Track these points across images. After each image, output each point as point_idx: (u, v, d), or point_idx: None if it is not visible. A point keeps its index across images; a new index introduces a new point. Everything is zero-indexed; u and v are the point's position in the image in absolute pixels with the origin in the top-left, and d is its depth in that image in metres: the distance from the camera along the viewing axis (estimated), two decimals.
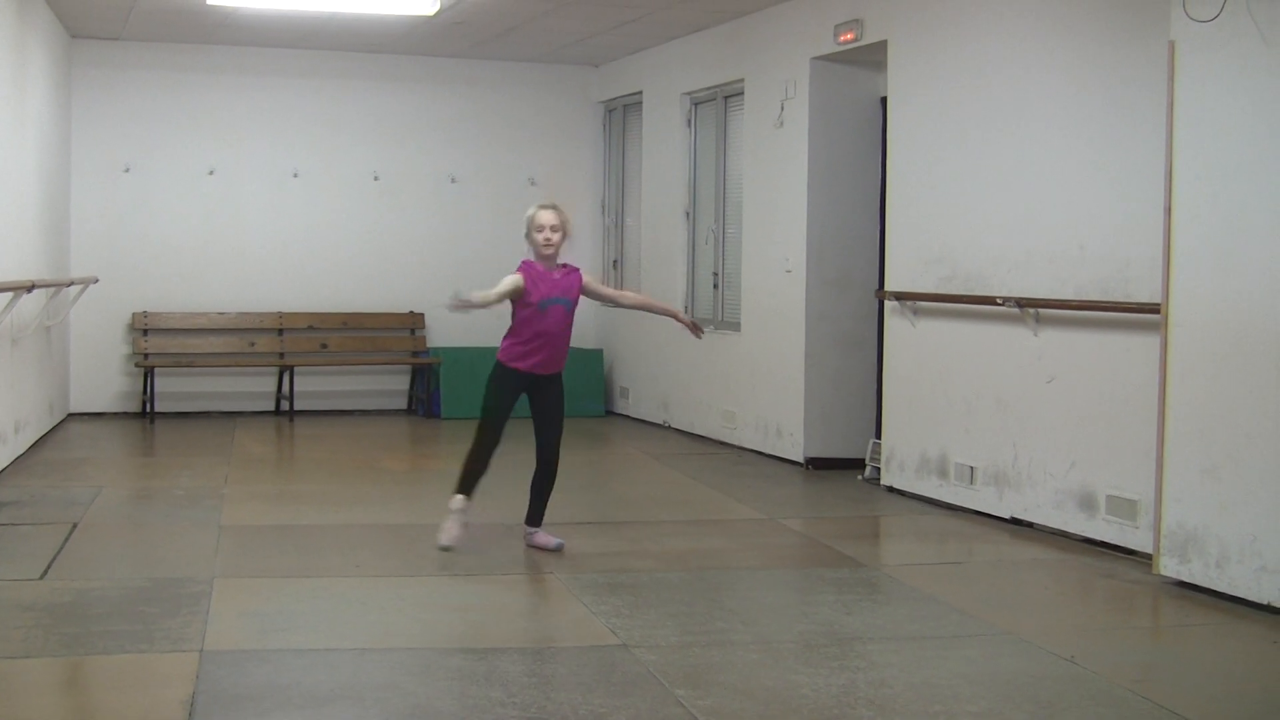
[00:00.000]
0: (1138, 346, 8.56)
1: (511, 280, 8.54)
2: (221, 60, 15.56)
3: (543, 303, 8.51)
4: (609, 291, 9.55)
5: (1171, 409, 7.88)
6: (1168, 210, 7.87)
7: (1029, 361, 9.52)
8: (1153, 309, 8.18)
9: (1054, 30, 9.35)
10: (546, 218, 8.51)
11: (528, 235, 8.59)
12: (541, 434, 8.80)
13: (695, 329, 9.46)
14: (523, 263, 8.63)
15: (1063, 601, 7.97)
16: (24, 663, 6.34)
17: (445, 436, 14.35)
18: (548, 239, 8.49)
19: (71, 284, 13.55)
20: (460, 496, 8.64)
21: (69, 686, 6.26)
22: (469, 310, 8.58)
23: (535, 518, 8.90)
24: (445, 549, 8.52)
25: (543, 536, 8.81)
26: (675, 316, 9.42)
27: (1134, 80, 8.62)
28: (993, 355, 9.88)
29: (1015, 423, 9.66)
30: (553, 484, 8.88)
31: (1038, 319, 9.39)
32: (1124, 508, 8.70)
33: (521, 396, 8.74)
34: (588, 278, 8.80)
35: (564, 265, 8.65)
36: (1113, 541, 8.81)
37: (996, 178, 9.85)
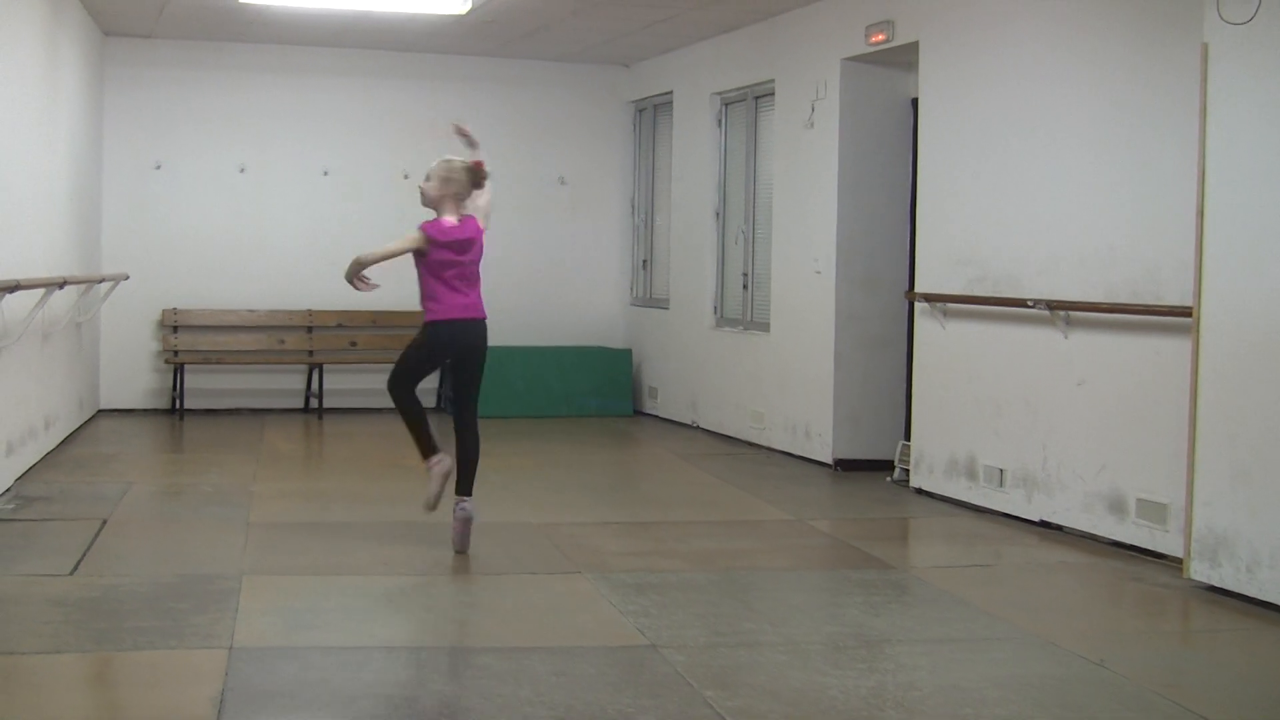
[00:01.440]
0: (1168, 349, 8.52)
1: (407, 235, 8.70)
2: (253, 58, 15.60)
3: (453, 242, 8.68)
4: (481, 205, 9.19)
5: (1202, 412, 7.84)
6: (1199, 213, 7.84)
7: (1059, 364, 9.49)
8: (1183, 311, 8.14)
9: (1086, 32, 9.32)
10: (431, 168, 8.72)
11: None
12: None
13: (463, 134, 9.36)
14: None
15: (1092, 605, 7.94)
16: (54, 658, 6.37)
17: None
18: (421, 187, 8.71)
19: (102, 280, 13.60)
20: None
21: (98, 682, 6.28)
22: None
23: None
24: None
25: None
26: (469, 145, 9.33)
27: (1166, 82, 8.59)
28: (1022, 357, 9.85)
29: (1045, 425, 9.63)
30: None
31: (1068, 321, 9.36)
32: (1154, 511, 8.67)
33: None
34: (480, 218, 8.91)
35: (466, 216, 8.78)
36: (1142, 545, 8.78)
37: (1027, 179, 9.82)
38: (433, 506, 8.70)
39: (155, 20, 14.21)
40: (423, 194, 8.65)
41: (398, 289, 15.81)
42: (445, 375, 15.92)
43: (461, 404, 8.85)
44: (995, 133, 10.15)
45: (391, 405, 8.94)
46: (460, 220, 8.55)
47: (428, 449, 8.72)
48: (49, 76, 11.71)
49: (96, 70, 14.66)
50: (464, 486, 8.68)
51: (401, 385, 8.82)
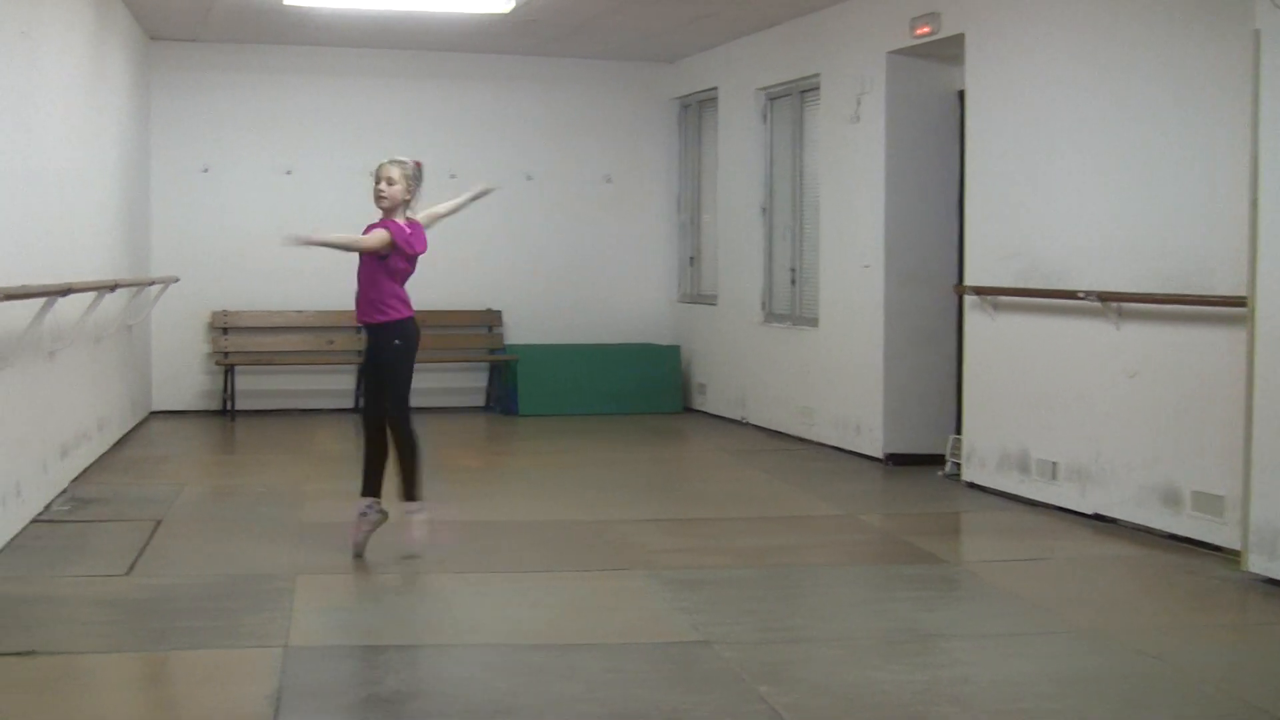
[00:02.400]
0: (1222, 340, 8.46)
1: (380, 235, 8.32)
2: (298, 60, 15.66)
3: (414, 253, 8.44)
4: (436, 211, 9.07)
5: (1257, 403, 7.78)
6: (1252, 202, 7.77)
7: (1111, 355, 9.43)
8: (1237, 301, 8.08)
9: (1134, 20, 9.25)
10: (386, 170, 8.44)
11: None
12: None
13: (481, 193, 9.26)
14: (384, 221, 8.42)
15: (1147, 599, 7.87)
16: (110, 657, 6.41)
17: (522, 434, 14.38)
18: (380, 192, 8.41)
19: (153, 283, 13.67)
20: (418, 504, 8.52)
21: (154, 681, 6.31)
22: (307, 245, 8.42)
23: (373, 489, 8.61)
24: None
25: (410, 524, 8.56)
26: (478, 196, 9.31)
27: (1217, 70, 8.52)
28: (1074, 349, 9.80)
29: (1097, 418, 9.57)
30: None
31: (1119, 313, 9.30)
32: (1209, 503, 8.60)
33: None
34: (421, 217, 8.67)
35: (410, 219, 8.56)
36: (1198, 538, 8.71)
37: (1076, 170, 9.77)
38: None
39: (200, 24, 14.28)
40: (387, 197, 8.38)
41: (445, 289, 15.93)
42: (495, 373, 15.98)
43: (401, 403, 8.56)
44: (1044, 124, 10.09)
45: (402, 434, 8.56)
46: (410, 226, 8.43)
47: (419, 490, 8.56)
48: (96, 82, 11.78)
49: (143, 75, 14.74)
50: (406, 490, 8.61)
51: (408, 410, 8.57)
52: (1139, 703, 5.86)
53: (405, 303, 8.42)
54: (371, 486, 8.55)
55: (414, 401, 14.50)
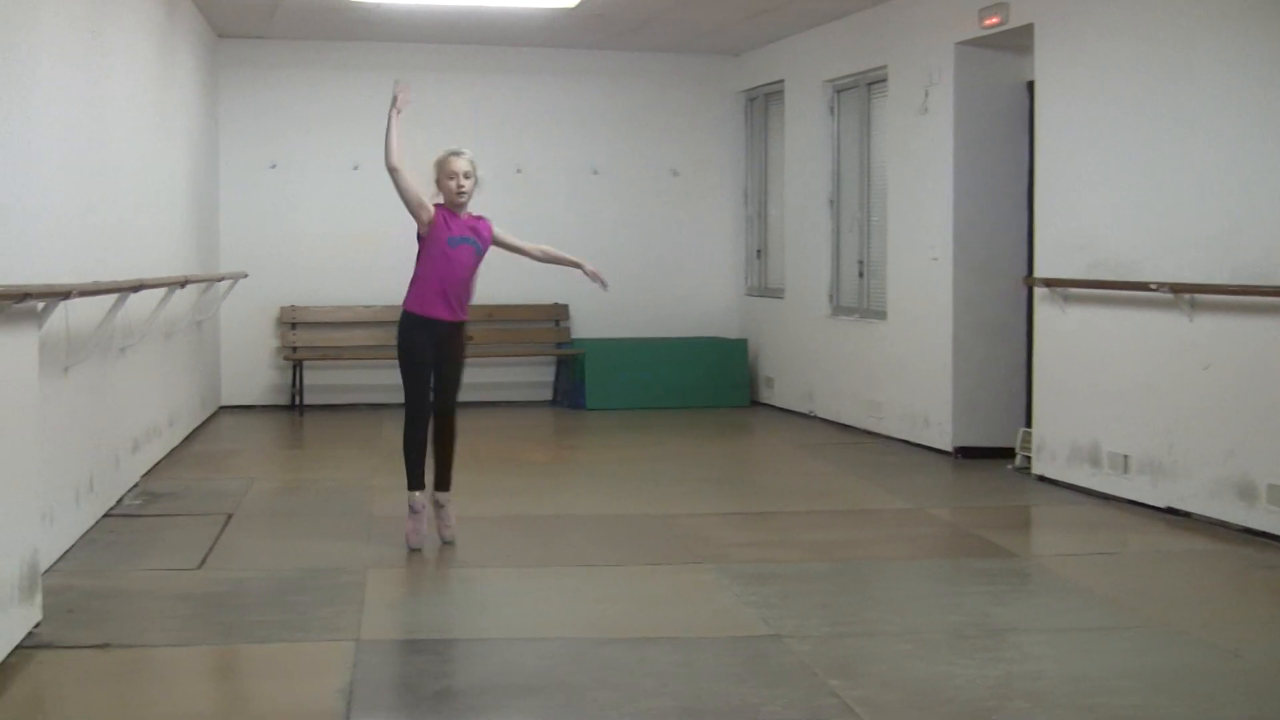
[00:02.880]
0: None
1: (425, 200, 8.39)
2: (364, 56, 15.72)
3: (451, 239, 8.37)
4: (517, 243, 8.88)
5: None
6: None
7: (1183, 348, 9.34)
8: None
9: (1204, 6, 9.16)
10: (459, 164, 8.37)
11: (437, 181, 8.43)
12: (440, 391, 8.61)
13: (599, 279, 8.94)
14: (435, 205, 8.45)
15: (1222, 593, 7.79)
16: (183, 650, 6.46)
17: (589, 428, 14.38)
18: (460, 186, 8.35)
19: (221, 279, 13.76)
20: (416, 494, 8.54)
21: (226, 675, 6.35)
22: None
23: (443, 481, 8.67)
24: (415, 550, 8.41)
25: (448, 515, 8.60)
26: (580, 267, 8.96)
27: None
28: (1145, 342, 9.71)
29: (1169, 410, 9.48)
30: (454, 445, 8.68)
31: (1192, 304, 9.21)
32: None
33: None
34: (498, 228, 8.64)
35: (475, 215, 8.55)
36: (1274, 532, 8.61)
37: (1147, 161, 9.67)
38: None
39: (267, 21, 14.36)
40: (468, 192, 8.46)
41: (512, 283, 15.95)
42: (562, 368, 16.01)
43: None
44: (1114, 114, 10.01)
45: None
46: (474, 220, 8.61)
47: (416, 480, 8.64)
48: (165, 79, 11.86)
49: (211, 72, 14.84)
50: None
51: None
52: (1215, 699, 5.79)
53: (416, 292, 8.49)
54: (421, 479, 8.60)
55: (481, 395, 14.61)
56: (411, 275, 8.52)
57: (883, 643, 6.61)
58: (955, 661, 6.27)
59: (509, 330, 16.08)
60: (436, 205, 8.42)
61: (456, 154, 8.43)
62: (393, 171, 8.35)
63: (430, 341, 8.47)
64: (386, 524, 9.21)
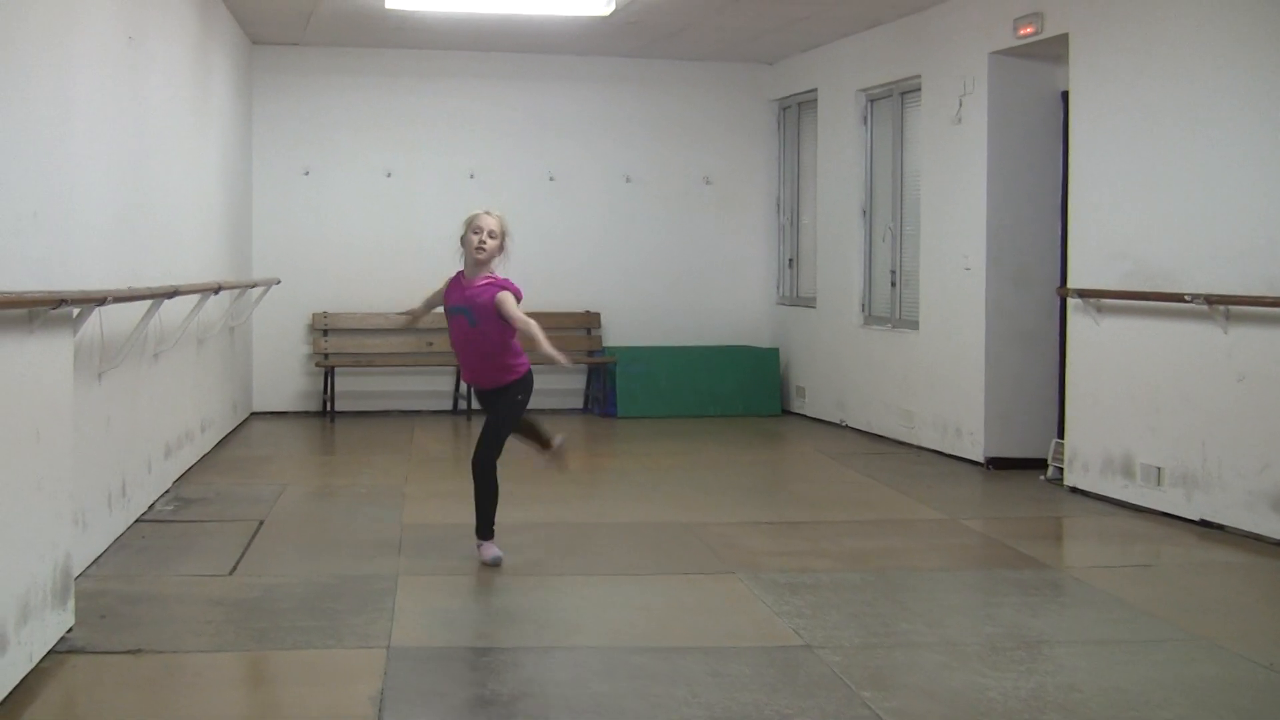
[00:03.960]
0: None
1: (436, 289, 8.53)
2: (398, 64, 15.76)
3: (449, 309, 8.35)
4: (513, 317, 8.25)
5: None
6: None
7: (1218, 359, 9.29)
8: None
9: (1242, 16, 9.12)
10: (487, 221, 8.24)
11: (462, 237, 8.31)
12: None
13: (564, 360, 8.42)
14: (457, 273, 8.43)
15: (1258, 606, 7.74)
16: (215, 656, 6.46)
17: (621, 435, 14.38)
18: (481, 243, 8.19)
19: (254, 286, 13.80)
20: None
21: (259, 680, 6.36)
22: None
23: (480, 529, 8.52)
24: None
25: (487, 548, 8.44)
26: (548, 358, 8.13)
27: None
28: (1180, 353, 9.66)
29: (1204, 422, 9.43)
30: (487, 494, 8.50)
31: (1227, 316, 9.16)
32: None
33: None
34: (503, 297, 8.19)
35: (491, 277, 8.29)
36: None
37: (1183, 171, 9.63)
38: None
39: (302, 28, 14.39)
40: (488, 250, 8.27)
41: (544, 291, 15.95)
42: (594, 375, 16.01)
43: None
44: (1149, 125, 9.96)
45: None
46: (487, 281, 8.39)
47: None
48: (201, 86, 11.90)
49: (245, 78, 14.89)
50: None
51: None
52: (1251, 713, 5.76)
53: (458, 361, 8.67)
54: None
55: None
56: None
57: (916, 654, 6.59)
58: (989, 673, 6.24)
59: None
60: (455, 276, 8.42)
61: (487, 213, 8.35)
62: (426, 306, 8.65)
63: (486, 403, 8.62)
64: (418, 531, 9.22)
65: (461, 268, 8.40)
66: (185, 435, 11.08)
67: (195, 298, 10.45)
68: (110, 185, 8.51)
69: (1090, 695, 5.95)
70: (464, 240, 8.31)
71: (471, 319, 8.28)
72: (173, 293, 9.07)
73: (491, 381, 8.46)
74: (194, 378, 11.52)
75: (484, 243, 8.22)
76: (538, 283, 16.12)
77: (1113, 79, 10.38)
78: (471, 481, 8.46)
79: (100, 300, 7.14)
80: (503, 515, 9.76)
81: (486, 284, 8.26)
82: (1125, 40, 10.24)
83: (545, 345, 8.01)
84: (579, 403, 16.32)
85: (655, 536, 9.13)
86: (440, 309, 8.58)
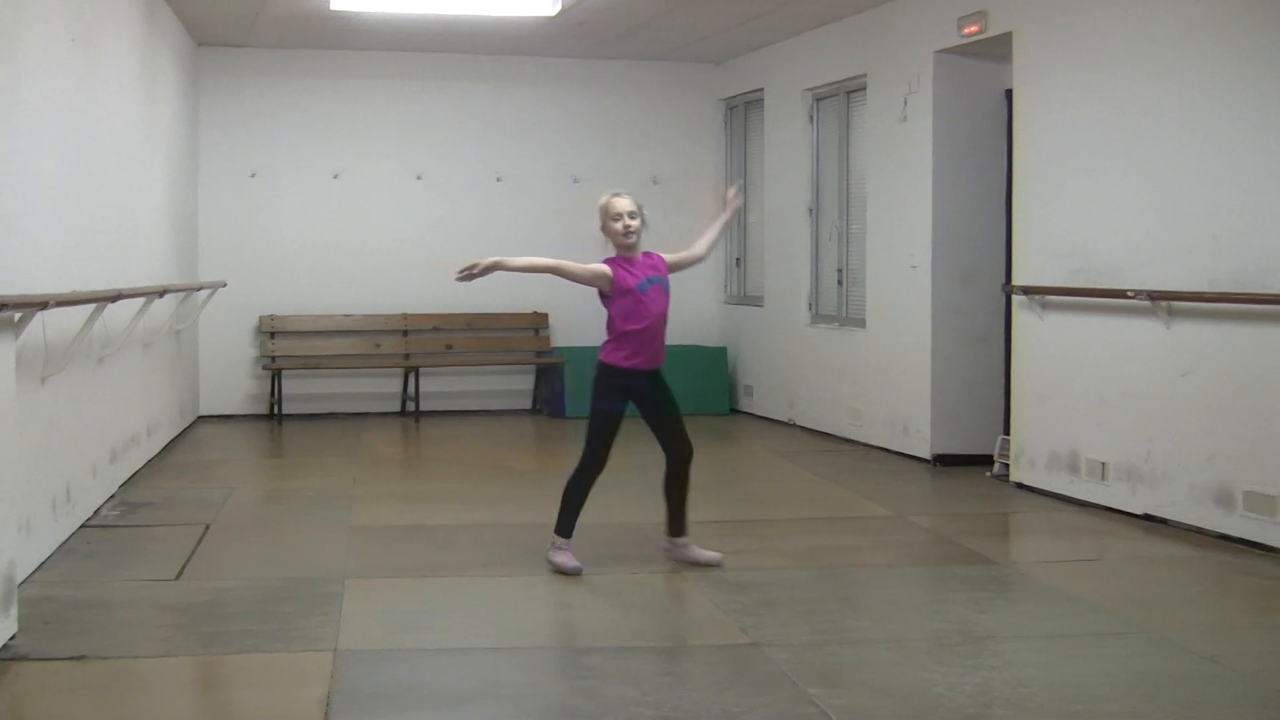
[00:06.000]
0: (1275, 338, 8.39)
1: (597, 268, 8.12)
2: (345, 65, 15.71)
3: (641, 285, 8.14)
4: (686, 254, 8.65)
5: None
6: None
7: (1161, 355, 9.36)
8: None
9: (1185, 17, 9.18)
10: (624, 204, 8.11)
11: (603, 227, 8.17)
12: (675, 434, 8.48)
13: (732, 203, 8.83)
14: (604, 260, 8.21)
15: (1202, 599, 7.81)
16: (162, 661, 6.42)
17: (571, 435, 14.34)
18: (628, 227, 8.09)
19: (201, 288, 13.74)
20: (565, 539, 8.26)
21: (207, 685, 6.32)
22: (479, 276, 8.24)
23: (680, 526, 8.43)
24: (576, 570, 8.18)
25: (697, 550, 8.35)
26: (725, 220, 8.85)
27: (1271, 66, 8.45)
28: (1124, 349, 9.73)
29: (1148, 418, 9.50)
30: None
31: (1170, 312, 9.23)
32: (1263, 503, 8.53)
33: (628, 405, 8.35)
34: (667, 256, 8.42)
35: (647, 253, 8.30)
36: (1251, 538, 8.63)
37: (1126, 169, 9.70)
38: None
39: (248, 29, 14.33)
40: (636, 232, 8.18)
41: (491, 291, 15.95)
42: (543, 376, 15.99)
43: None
44: (1093, 122, 10.03)
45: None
46: (647, 257, 8.34)
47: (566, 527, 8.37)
48: (146, 88, 11.83)
49: (191, 80, 14.81)
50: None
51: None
52: (1196, 705, 5.80)
53: (614, 345, 8.25)
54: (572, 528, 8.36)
55: (461, 404, 14.61)
56: (610, 329, 8.25)
57: (864, 651, 6.61)
58: (937, 669, 6.26)
59: (489, 338, 16.07)
60: (607, 260, 8.20)
61: (619, 195, 8.18)
62: (554, 272, 8.18)
63: (632, 393, 8.33)
64: (366, 533, 9.20)
65: (609, 255, 8.22)
66: (131, 439, 11.01)
67: (140, 301, 10.39)
68: (54, 188, 8.45)
69: (1037, 689, 5.98)
70: (605, 229, 8.16)
71: (665, 285, 8.29)
72: (116, 296, 9.02)
73: (663, 357, 8.42)
74: (140, 381, 11.46)
75: (629, 226, 8.11)
76: (485, 284, 16.07)
77: (1055, 77, 10.44)
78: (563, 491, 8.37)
79: (42, 304, 7.09)
80: (452, 516, 9.79)
81: (652, 259, 8.29)
82: (1068, 39, 10.30)
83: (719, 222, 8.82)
84: (528, 403, 16.31)
85: (606, 536, 9.12)
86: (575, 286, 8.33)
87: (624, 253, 8.15)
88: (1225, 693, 5.99)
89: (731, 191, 8.80)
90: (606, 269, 8.07)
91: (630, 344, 8.17)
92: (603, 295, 8.15)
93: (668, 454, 8.44)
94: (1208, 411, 8.98)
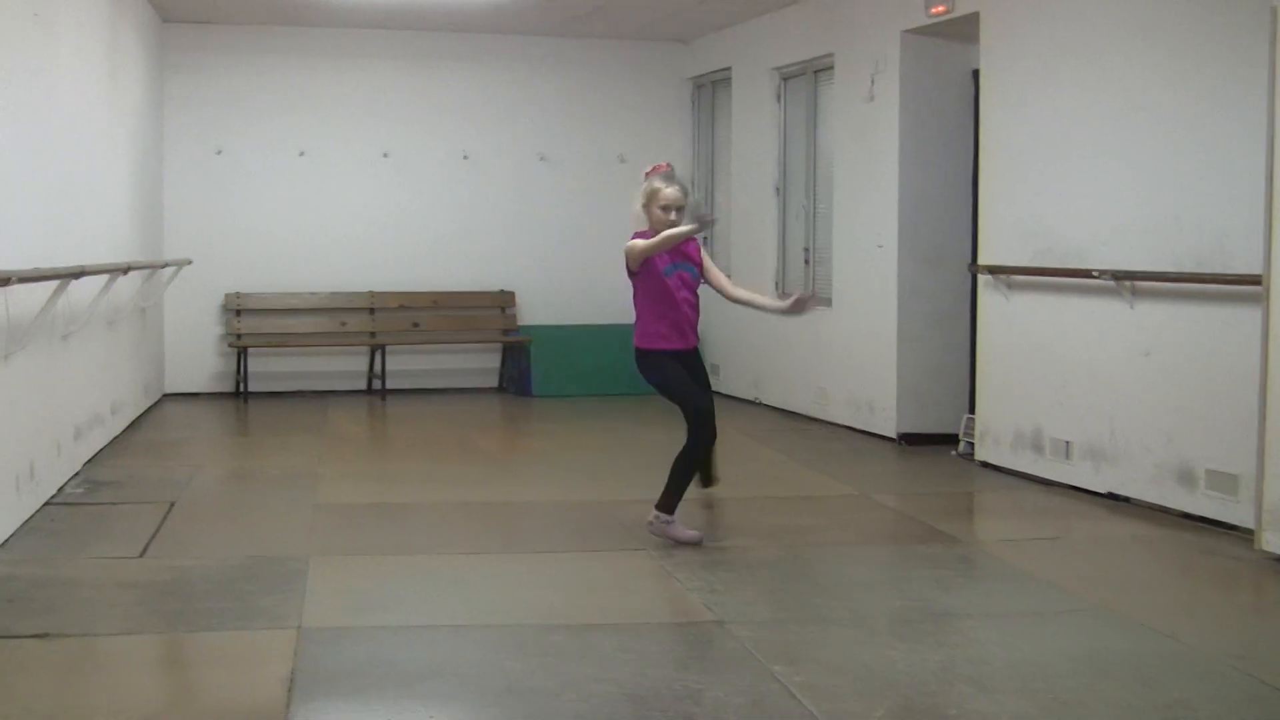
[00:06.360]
0: (1237, 318, 8.43)
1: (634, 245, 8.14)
2: (311, 42, 15.65)
3: (667, 269, 8.17)
4: (724, 282, 8.62)
5: (1272, 381, 7.74)
6: (1269, 178, 7.73)
7: (1125, 335, 9.40)
8: (1252, 280, 8.04)
9: (1149, 1, 9.23)
10: (673, 196, 8.14)
11: (646, 207, 8.20)
12: (708, 408, 8.39)
13: (801, 304, 8.49)
14: (636, 234, 8.25)
15: (1163, 578, 7.86)
16: (127, 639, 6.42)
17: (537, 414, 14.38)
18: (674, 221, 8.11)
19: (166, 266, 13.69)
20: (668, 515, 8.29)
21: (171, 663, 6.32)
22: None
23: (672, 505, 8.40)
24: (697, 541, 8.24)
25: (681, 528, 8.36)
26: (783, 309, 8.59)
27: (1233, 47, 8.48)
28: (1088, 329, 9.77)
29: (1111, 397, 9.55)
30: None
31: (1134, 291, 9.27)
32: (1224, 482, 8.58)
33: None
34: (705, 257, 8.43)
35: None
36: (1212, 517, 8.69)
37: (1091, 149, 9.73)
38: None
39: (213, 5, 14.27)
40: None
41: (458, 270, 15.97)
42: (509, 355, 15.98)
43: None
44: (1058, 103, 10.06)
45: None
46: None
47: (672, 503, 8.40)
48: (110, 64, 11.77)
49: (156, 57, 14.74)
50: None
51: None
52: (1155, 682, 5.84)
53: (648, 329, 8.27)
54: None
55: (428, 382, 14.57)
56: (635, 311, 8.31)
57: (826, 628, 6.64)
58: (898, 646, 6.30)
59: (456, 317, 16.05)
60: (640, 234, 8.21)
61: (668, 182, 8.18)
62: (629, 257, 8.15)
63: (685, 368, 8.37)
64: (331, 511, 9.19)
65: (641, 229, 8.25)
66: (96, 417, 10.98)
67: (105, 278, 10.36)
68: (17, 165, 8.41)
69: (998, 667, 6.02)
70: (647, 209, 8.20)
71: (695, 274, 8.32)
72: (80, 273, 8.99)
73: (694, 337, 8.42)
74: (104, 359, 11.42)
75: (676, 222, 8.14)
76: (452, 262, 16.13)
77: (1021, 58, 10.47)
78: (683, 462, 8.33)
79: (4, 281, 7.07)
80: (417, 495, 9.79)
81: (688, 248, 8.31)
82: (1034, 19, 10.32)
83: (775, 302, 8.94)
84: (494, 381, 16.31)
85: (570, 515, 9.14)
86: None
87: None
88: (1184, 670, 6.03)
89: (799, 296, 8.49)
90: (638, 243, 8.12)
91: (658, 326, 8.23)
92: (630, 273, 8.21)
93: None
94: (1171, 391, 9.03)
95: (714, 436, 8.45)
